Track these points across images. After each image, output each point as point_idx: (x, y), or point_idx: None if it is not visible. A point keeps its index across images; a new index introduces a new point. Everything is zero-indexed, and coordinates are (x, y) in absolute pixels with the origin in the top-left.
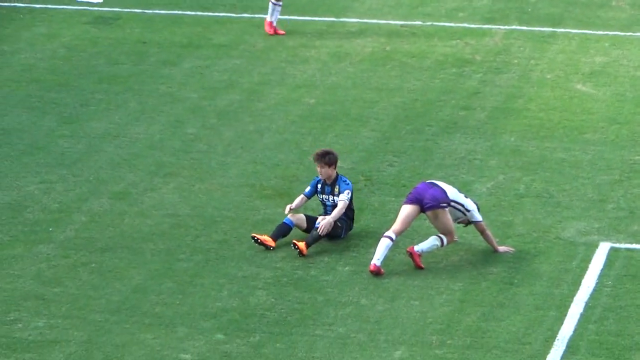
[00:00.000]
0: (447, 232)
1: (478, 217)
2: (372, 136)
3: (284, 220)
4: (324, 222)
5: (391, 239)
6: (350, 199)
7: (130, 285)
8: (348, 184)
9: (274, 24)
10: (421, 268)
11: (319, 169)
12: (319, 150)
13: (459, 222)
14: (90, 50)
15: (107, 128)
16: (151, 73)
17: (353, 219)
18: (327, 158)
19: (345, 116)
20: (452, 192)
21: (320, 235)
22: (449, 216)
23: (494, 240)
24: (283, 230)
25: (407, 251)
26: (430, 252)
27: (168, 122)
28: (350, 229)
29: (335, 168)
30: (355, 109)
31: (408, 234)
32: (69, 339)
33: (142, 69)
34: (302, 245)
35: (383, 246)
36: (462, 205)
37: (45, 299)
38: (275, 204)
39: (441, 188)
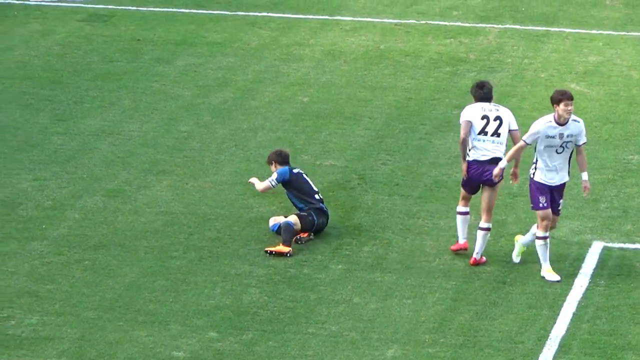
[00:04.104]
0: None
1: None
2: (366, 134)
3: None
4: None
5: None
6: (287, 182)
7: (123, 283)
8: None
9: None
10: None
11: None
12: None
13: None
14: (85, 48)
15: (101, 125)
16: (145, 71)
17: (309, 201)
18: (267, 158)
19: (339, 114)
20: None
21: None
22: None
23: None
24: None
25: (472, 264)
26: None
27: (162, 119)
28: (314, 213)
29: (272, 164)
30: (349, 108)
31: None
32: (62, 335)
33: (136, 66)
34: (279, 248)
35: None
36: None
37: (39, 296)
38: (269, 202)
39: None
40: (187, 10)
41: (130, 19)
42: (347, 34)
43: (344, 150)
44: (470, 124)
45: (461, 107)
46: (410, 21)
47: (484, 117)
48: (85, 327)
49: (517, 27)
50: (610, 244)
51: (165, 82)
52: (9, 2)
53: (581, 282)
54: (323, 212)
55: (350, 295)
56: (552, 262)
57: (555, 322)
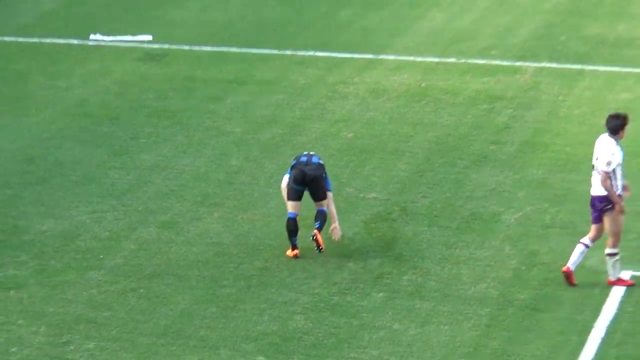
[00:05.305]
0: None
1: None
2: (407, 169)
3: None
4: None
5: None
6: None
7: (176, 310)
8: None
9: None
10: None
11: None
12: None
13: None
14: (140, 86)
15: (155, 160)
16: (198, 108)
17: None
18: None
19: (382, 150)
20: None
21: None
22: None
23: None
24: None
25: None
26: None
27: (213, 154)
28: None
29: None
30: (391, 143)
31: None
32: None
33: (189, 104)
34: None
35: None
36: None
37: (96, 323)
38: (310, 233)
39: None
40: (238, 50)
41: (184, 58)
42: (390, 72)
43: (386, 183)
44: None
45: (497, 143)
46: (451, 60)
47: (595, 151)
48: (140, 352)
49: (553, 65)
50: (637, 273)
51: (216, 119)
52: (69, 43)
53: (609, 308)
54: (292, 167)
55: (390, 321)
56: (582, 290)
57: (584, 347)
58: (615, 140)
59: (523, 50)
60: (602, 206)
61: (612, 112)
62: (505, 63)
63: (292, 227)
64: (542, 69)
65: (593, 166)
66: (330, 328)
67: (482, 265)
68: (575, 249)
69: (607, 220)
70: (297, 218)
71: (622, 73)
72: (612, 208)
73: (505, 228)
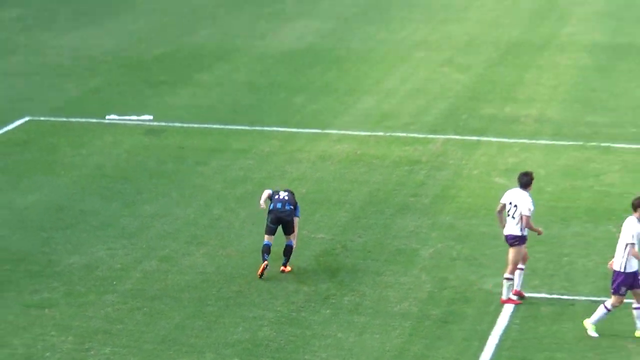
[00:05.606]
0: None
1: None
2: (347, 216)
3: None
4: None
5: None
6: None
7: (172, 324)
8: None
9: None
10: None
11: None
12: None
13: None
14: (144, 154)
15: (156, 210)
16: (188, 170)
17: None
18: None
19: (328, 201)
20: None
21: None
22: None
23: None
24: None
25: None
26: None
27: (200, 205)
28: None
29: None
30: (334, 196)
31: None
32: None
33: (182, 167)
34: (288, 269)
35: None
36: None
37: (111, 333)
38: (277, 265)
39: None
40: (219, 126)
41: (177, 132)
42: (333, 143)
43: (330, 227)
44: (503, 206)
45: (416, 196)
46: (379, 133)
47: (510, 202)
48: (144, 356)
49: (457, 137)
50: (524, 294)
51: (202, 179)
52: (90, 121)
53: (502, 321)
54: (270, 211)
55: (335, 331)
56: (481, 307)
57: (483, 351)
58: (528, 192)
59: (434, 126)
60: (512, 242)
61: (523, 171)
62: (421, 135)
63: (266, 249)
64: (449, 140)
65: (508, 212)
66: (290, 337)
67: (405, 288)
68: (516, 275)
69: (512, 252)
70: (271, 245)
71: (510, 143)
72: (519, 244)
73: (422, 260)
